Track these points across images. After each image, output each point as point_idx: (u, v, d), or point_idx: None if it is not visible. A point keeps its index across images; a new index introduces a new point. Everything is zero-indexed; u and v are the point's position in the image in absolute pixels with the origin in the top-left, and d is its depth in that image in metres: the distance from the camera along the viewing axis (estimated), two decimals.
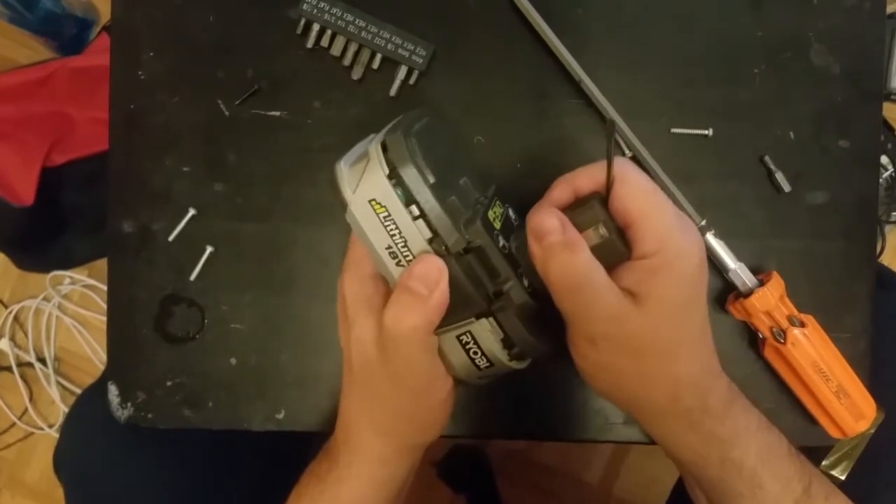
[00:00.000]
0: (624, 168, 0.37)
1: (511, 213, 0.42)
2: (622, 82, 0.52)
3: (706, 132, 0.52)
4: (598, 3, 0.53)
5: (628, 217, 0.37)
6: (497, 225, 0.39)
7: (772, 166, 0.52)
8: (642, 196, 0.37)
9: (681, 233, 0.37)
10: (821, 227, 0.53)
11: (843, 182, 0.53)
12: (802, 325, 0.49)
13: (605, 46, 0.53)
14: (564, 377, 0.53)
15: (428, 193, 0.36)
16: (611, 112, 0.51)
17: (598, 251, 0.37)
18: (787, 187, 0.52)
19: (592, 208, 0.38)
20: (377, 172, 0.37)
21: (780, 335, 0.49)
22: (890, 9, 0.55)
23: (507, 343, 0.38)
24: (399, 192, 0.36)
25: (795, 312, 0.49)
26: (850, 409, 0.49)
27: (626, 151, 0.52)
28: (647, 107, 0.53)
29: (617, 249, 0.37)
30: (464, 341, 0.39)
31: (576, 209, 0.38)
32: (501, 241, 0.39)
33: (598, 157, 0.52)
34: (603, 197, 0.38)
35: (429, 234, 0.37)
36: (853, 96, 0.53)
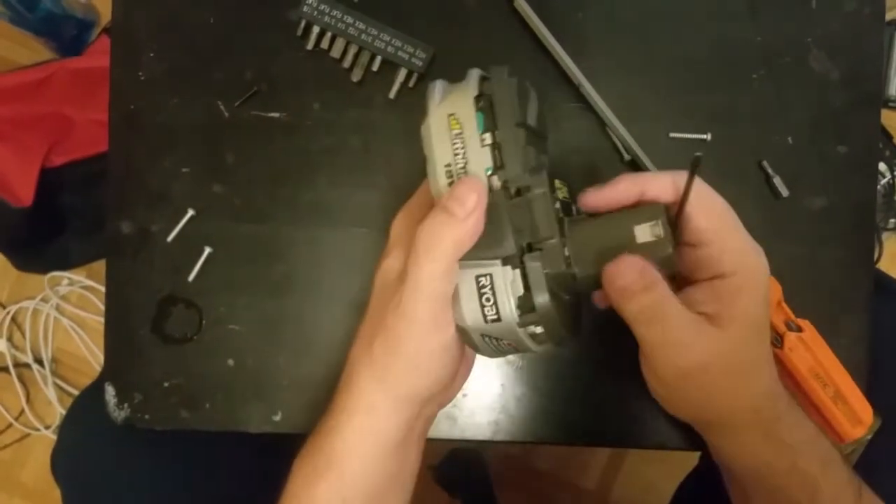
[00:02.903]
0: (700, 186, 0.38)
1: (574, 205, 0.42)
2: (621, 86, 0.52)
3: (704, 137, 0.52)
4: (597, 8, 0.53)
5: (703, 235, 0.38)
6: (560, 195, 0.40)
7: (770, 171, 0.52)
8: (718, 216, 0.38)
9: (756, 254, 0.39)
10: (818, 232, 0.53)
11: (841, 187, 0.53)
12: (800, 330, 0.49)
13: (604, 51, 0.53)
14: (573, 380, 0.53)
15: (510, 125, 0.37)
16: (610, 116, 0.51)
17: (649, 249, 0.38)
18: (784, 192, 0.52)
19: (657, 208, 0.38)
20: (466, 91, 0.38)
21: (778, 340, 0.49)
22: (889, 15, 0.55)
23: (523, 303, 0.37)
24: (480, 117, 0.38)
25: (793, 317, 0.49)
26: (847, 414, 0.49)
27: (625, 155, 0.52)
28: (645, 111, 0.53)
29: (667, 253, 0.38)
30: (480, 283, 0.37)
31: (638, 208, 0.39)
32: (557, 205, 0.39)
33: (597, 161, 0.53)
34: (666, 206, 0.38)
35: (490, 165, 0.37)
36: (851, 102, 0.53)
